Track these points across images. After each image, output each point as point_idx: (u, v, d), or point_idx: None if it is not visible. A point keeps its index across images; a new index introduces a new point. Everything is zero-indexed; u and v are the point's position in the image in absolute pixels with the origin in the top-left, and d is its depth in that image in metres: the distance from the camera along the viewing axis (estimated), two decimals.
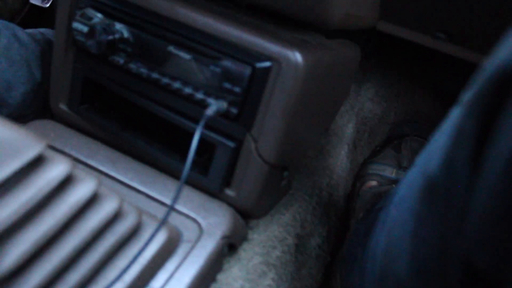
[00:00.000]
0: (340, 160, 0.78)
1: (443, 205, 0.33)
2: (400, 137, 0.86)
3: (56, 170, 0.38)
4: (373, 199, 0.75)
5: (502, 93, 0.27)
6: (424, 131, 0.86)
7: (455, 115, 0.32)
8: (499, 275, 0.28)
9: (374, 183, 0.80)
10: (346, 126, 0.82)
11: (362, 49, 0.65)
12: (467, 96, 0.31)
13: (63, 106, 0.64)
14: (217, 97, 0.51)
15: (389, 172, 0.80)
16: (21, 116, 0.69)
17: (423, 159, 0.38)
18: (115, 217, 0.43)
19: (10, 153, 0.35)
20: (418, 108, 0.93)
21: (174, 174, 0.58)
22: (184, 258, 0.50)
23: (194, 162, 0.56)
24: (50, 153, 0.38)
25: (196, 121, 0.53)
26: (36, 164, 0.37)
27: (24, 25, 1.02)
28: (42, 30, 0.77)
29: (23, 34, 0.69)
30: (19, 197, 0.36)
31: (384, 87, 0.89)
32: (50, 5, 0.94)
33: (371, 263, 0.46)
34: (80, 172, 0.41)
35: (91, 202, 0.41)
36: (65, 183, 0.39)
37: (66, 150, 0.59)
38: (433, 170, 0.34)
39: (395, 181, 0.79)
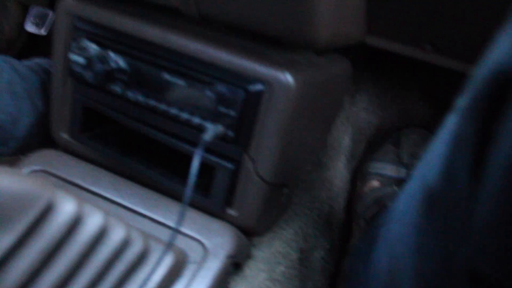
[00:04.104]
0: (339, 171, 0.79)
1: (445, 215, 0.32)
2: (399, 130, 0.84)
3: (65, 214, 0.40)
4: (374, 205, 0.74)
5: (500, 96, 0.26)
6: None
7: (451, 122, 0.32)
8: (507, 281, 0.28)
9: (375, 183, 0.79)
10: (343, 138, 0.83)
11: (353, 62, 0.66)
12: (463, 101, 0.30)
13: (64, 135, 0.65)
14: (213, 121, 0.52)
15: (390, 170, 0.79)
16: (28, 146, 0.71)
17: (421, 169, 0.37)
18: (123, 245, 0.44)
19: (21, 207, 0.37)
20: (413, 114, 0.94)
21: (176, 196, 0.59)
22: (191, 279, 0.51)
23: (195, 184, 0.57)
24: (57, 197, 0.40)
25: (194, 145, 0.54)
26: (46, 211, 0.39)
27: (20, 54, 1.04)
28: (37, 60, 0.79)
29: (22, 67, 0.71)
30: (34, 248, 0.38)
31: (378, 97, 0.90)
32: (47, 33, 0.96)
33: (375, 282, 0.46)
34: (87, 207, 0.43)
35: (100, 235, 0.43)
36: (74, 223, 0.41)
37: (70, 178, 0.61)
38: (433, 181, 0.33)
39: (397, 180, 0.78)
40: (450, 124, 0.32)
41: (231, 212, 0.57)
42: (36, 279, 0.40)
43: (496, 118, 0.26)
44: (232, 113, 0.51)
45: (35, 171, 0.62)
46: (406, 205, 0.40)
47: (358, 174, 0.83)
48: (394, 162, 0.80)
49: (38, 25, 0.93)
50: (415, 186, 0.38)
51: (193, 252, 0.53)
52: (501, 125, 0.26)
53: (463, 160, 0.29)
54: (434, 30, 0.56)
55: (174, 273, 0.50)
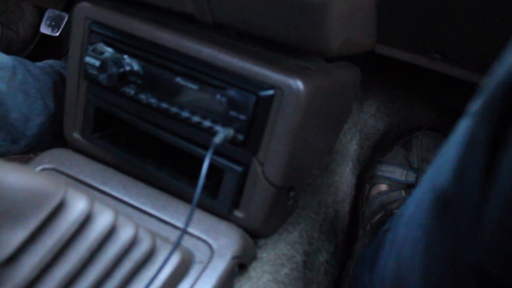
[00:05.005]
0: (345, 177, 0.80)
1: (455, 217, 0.32)
2: (410, 133, 0.83)
3: (76, 211, 0.41)
4: (380, 210, 0.75)
5: None
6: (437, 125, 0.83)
7: (464, 126, 0.32)
8: None
9: (383, 187, 0.79)
10: (350, 143, 0.84)
11: (361, 69, 0.67)
12: (476, 105, 0.30)
13: (76, 135, 0.67)
14: (224, 125, 0.53)
15: (399, 174, 0.79)
16: (37, 145, 0.72)
17: (432, 174, 0.38)
18: (131, 244, 0.45)
19: (35, 203, 0.38)
20: (419, 121, 0.95)
21: (184, 197, 0.60)
22: (197, 279, 0.52)
23: (203, 186, 0.58)
24: (70, 194, 0.41)
25: (205, 147, 0.55)
26: (58, 208, 0.40)
27: (34, 53, 1.06)
28: (50, 62, 0.80)
29: (35, 68, 0.73)
30: (46, 244, 0.39)
31: (385, 103, 0.91)
32: (59, 34, 0.98)
33: (380, 287, 0.46)
34: (97, 206, 0.44)
35: (109, 233, 0.44)
36: (85, 221, 0.42)
37: (81, 177, 0.62)
38: (444, 183, 0.34)
39: (405, 185, 0.79)
40: (463, 127, 0.33)
41: (238, 214, 0.58)
42: (47, 274, 0.41)
43: (508, 121, 0.27)
44: (243, 117, 0.52)
45: (46, 169, 0.63)
46: (415, 208, 0.40)
47: (366, 177, 0.83)
48: (403, 166, 0.80)
49: (53, 28, 0.95)
50: (425, 189, 0.38)
51: (200, 252, 0.54)
52: None
53: (475, 162, 0.30)
54: (442, 39, 0.57)
55: (181, 272, 0.51)
